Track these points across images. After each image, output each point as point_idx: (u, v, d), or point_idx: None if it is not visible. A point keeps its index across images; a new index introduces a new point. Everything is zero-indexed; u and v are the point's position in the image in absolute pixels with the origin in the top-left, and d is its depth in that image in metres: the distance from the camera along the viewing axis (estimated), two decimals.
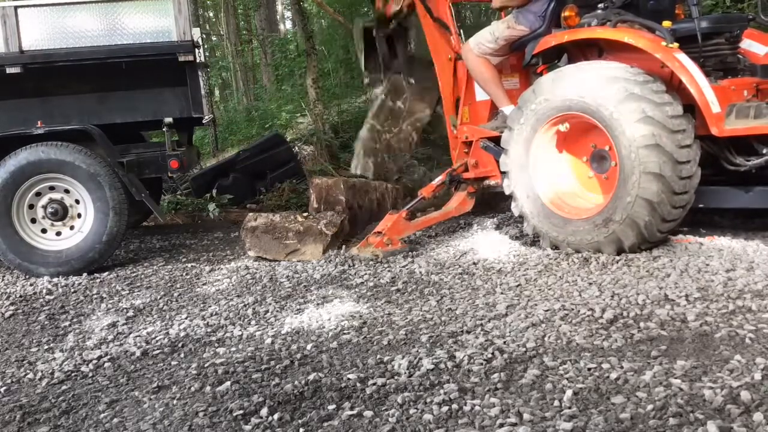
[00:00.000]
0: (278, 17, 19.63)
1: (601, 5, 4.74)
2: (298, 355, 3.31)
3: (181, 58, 5.50)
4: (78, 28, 5.49)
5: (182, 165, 5.64)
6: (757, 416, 2.24)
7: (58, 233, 5.52)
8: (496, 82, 5.39)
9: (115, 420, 2.82)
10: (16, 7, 5.48)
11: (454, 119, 5.87)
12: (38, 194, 5.47)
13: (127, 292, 4.84)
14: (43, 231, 5.51)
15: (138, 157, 5.65)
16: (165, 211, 8.05)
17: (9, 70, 5.39)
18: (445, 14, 5.82)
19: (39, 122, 5.50)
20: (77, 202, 5.50)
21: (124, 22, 5.51)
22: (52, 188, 5.47)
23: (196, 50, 5.64)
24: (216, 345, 3.60)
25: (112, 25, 5.51)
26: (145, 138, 7.02)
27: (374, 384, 2.84)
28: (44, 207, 5.47)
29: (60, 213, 5.47)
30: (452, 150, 5.98)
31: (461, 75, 5.77)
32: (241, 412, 2.73)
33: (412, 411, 2.57)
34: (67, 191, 5.48)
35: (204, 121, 6.28)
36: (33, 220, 5.49)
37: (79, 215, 5.52)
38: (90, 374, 3.37)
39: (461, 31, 5.92)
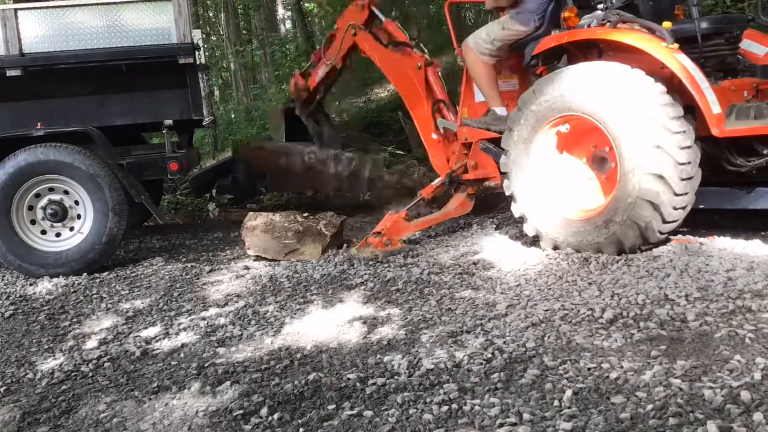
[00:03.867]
0: (278, 18, 19.63)
1: (600, 6, 4.74)
2: (298, 355, 3.31)
3: (181, 61, 5.50)
4: (78, 30, 5.48)
5: (182, 167, 5.64)
6: (757, 416, 2.25)
7: (58, 234, 5.52)
8: (491, 82, 5.43)
9: (115, 420, 2.83)
10: (16, 10, 5.47)
11: (442, 122, 5.94)
12: (38, 195, 5.46)
13: (127, 292, 4.84)
14: (43, 232, 5.50)
15: (138, 159, 5.64)
16: (165, 210, 8.05)
17: (9, 73, 5.38)
18: (402, 33, 6.30)
19: (39, 124, 5.50)
20: (77, 203, 5.49)
21: (124, 24, 5.51)
22: (51, 189, 5.46)
23: (197, 52, 5.64)
24: (216, 345, 3.60)
25: (112, 27, 5.51)
26: (145, 140, 7.03)
27: (374, 384, 2.84)
28: (44, 208, 5.46)
29: (59, 214, 5.47)
30: (434, 157, 6.07)
31: (434, 79, 6.02)
32: (241, 412, 2.73)
33: (411, 411, 2.58)
34: (66, 192, 5.47)
35: (204, 123, 6.28)
36: (33, 222, 5.48)
37: (78, 216, 5.51)
38: (90, 374, 3.38)
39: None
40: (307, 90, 7.21)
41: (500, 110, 5.37)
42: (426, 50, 6.26)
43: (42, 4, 5.60)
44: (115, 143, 5.64)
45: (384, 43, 6.33)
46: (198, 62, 5.70)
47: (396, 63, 6.24)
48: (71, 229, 5.52)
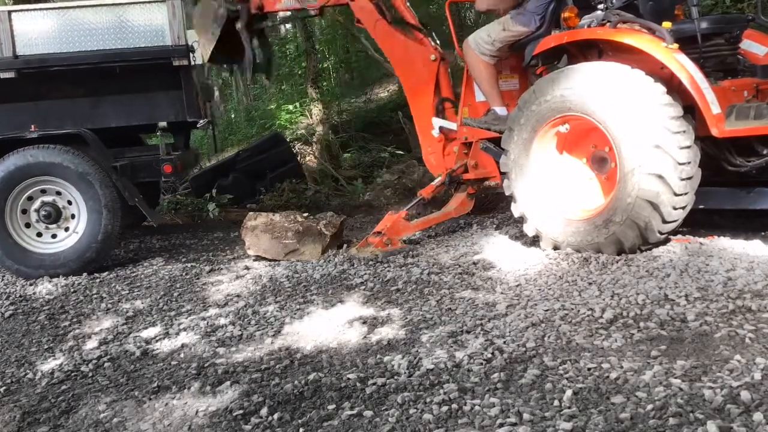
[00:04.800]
0: (278, 17, 19.62)
1: (601, 6, 4.74)
2: (298, 355, 3.31)
3: (176, 63, 5.49)
4: (72, 32, 5.47)
5: (176, 169, 5.62)
6: (757, 416, 2.24)
7: (54, 236, 5.51)
8: (492, 81, 5.41)
9: (115, 420, 2.83)
10: (9, 12, 5.47)
11: (438, 121, 5.87)
12: (30, 198, 5.44)
13: (127, 292, 4.84)
14: (39, 235, 5.49)
15: (131, 161, 5.63)
16: (164, 211, 8.06)
17: (2, 75, 5.38)
18: (412, 15, 5.88)
19: (33, 126, 5.49)
20: (69, 203, 5.48)
21: (118, 26, 5.49)
22: (43, 191, 5.45)
23: (191, 54, 5.62)
24: (216, 345, 3.60)
25: (106, 29, 5.50)
26: (143, 141, 7.02)
27: (374, 384, 2.84)
28: (37, 210, 5.45)
29: (53, 215, 5.45)
30: (430, 154, 5.93)
31: (443, 75, 5.80)
32: (241, 412, 2.73)
33: (411, 411, 2.57)
34: (58, 193, 5.45)
35: (199, 126, 6.26)
36: (27, 225, 5.47)
37: (72, 216, 5.50)
38: (90, 374, 3.38)
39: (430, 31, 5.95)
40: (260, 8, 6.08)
41: (501, 110, 5.36)
42: (438, 41, 5.91)
43: (36, 6, 5.59)
44: (111, 145, 5.62)
45: (388, 19, 5.83)
46: (193, 63, 5.68)
47: (404, 48, 5.83)
48: (66, 229, 5.52)
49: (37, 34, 5.45)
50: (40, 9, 5.56)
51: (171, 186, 8.12)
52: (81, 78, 5.56)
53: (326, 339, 3.49)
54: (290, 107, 12.79)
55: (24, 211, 5.45)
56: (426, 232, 5.72)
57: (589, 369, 2.77)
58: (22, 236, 5.44)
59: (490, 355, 3.01)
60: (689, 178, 4.25)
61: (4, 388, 3.30)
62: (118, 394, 3.08)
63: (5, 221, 5.36)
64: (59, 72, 5.47)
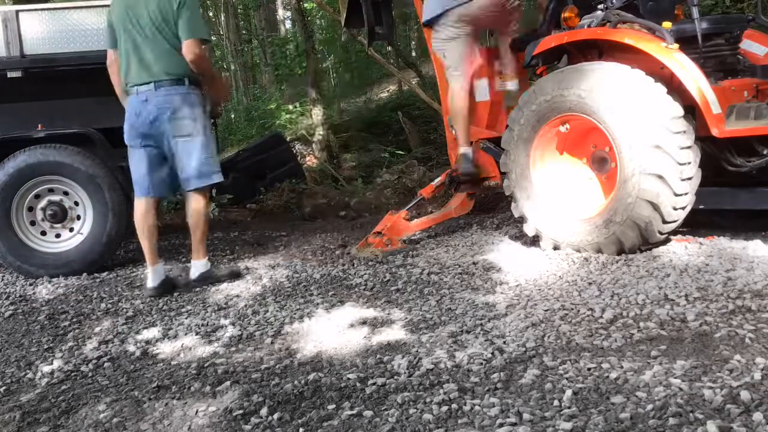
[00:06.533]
0: (278, 18, 19.66)
1: (600, 6, 4.75)
2: (298, 355, 3.31)
3: None
4: (79, 31, 5.49)
5: None
6: (757, 416, 2.24)
7: (58, 235, 5.53)
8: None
9: (115, 420, 2.82)
10: (17, 11, 5.48)
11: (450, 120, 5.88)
12: (37, 196, 5.47)
13: (127, 292, 4.84)
14: (43, 233, 5.51)
15: None
16: (164, 210, 8.06)
17: (10, 74, 5.39)
18: None
19: (39, 125, 5.50)
20: (76, 204, 5.50)
21: None
22: (51, 190, 5.47)
23: None
24: (216, 345, 3.60)
25: None
26: None
27: (374, 384, 2.84)
28: (43, 209, 5.47)
29: (59, 215, 5.47)
30: (450, 150, 6.00)
31: None
32: (241, 412, 2.73)
33: (411, 411, 2.57)
34: (66, 193, 5.48)
35: None
36: (32, 223, 5.49)
37: (78, 217, 5.52)
38: (90, 374, 3.38)
39: None
40: None
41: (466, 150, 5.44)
42: None
43: (43, 6, 5.60)
44: (116, 144, 5.63)
45: None
46: None
47: (430, 44, 5.86)
48: (71, 230, 5.53)
49: (44, 33, 5.46)
50: (48, 9, 5.57)
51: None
52: (87, 78, 5.56)
53: (326, 339, 3.49)
54: (290, 107, 12.80)
55: (30, 209, 5.47)
56: (426, 232, 5.73)
57: (589, 369, 2.77)
58: (26, 234, 5.45)
59: (490, 355, 3.00)
60: (689, 179, 4.25)
61: (4, 388, 3.30)
62: (118, 395, 3.08)
63: (11, 218, 5.38)
64: (66, 71, 5.48)
